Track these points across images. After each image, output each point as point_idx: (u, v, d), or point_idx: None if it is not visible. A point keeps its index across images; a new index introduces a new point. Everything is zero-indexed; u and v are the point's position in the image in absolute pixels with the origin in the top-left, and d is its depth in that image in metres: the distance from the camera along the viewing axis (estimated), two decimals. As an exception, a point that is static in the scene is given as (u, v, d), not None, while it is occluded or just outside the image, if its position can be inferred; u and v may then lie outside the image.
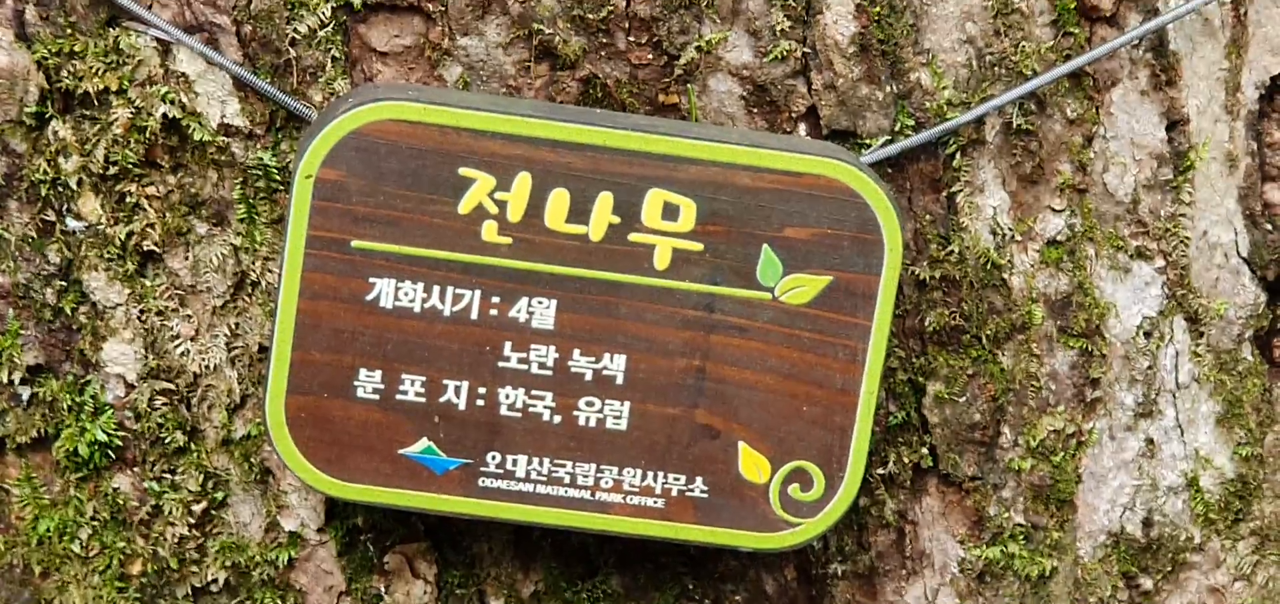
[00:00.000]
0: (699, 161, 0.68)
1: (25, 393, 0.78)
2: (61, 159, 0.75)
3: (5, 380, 0.77)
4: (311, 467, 0.71)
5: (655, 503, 0.74)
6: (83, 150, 0.75)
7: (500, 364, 0.71)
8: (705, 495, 0.74)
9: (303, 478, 0.71)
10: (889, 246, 0.70)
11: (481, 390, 0.71)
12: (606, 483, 0.73)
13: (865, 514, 0.82)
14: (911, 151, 0.76)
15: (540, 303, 0.70)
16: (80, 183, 0.76)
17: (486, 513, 0.74)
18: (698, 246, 0.69)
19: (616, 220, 0.69)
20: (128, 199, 0.76)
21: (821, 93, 0.75)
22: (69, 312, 0.76)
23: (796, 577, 0.84)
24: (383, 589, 0.80)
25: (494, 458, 0.73)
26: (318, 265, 0.68)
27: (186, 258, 0.77)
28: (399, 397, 0.71)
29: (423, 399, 0.71)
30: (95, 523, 0.79)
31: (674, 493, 0.74)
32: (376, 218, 0.68)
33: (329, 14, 0.74)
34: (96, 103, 0.75)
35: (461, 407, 0.72)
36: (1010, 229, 0.79)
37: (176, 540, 0.79)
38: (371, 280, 0.69)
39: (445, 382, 0.71)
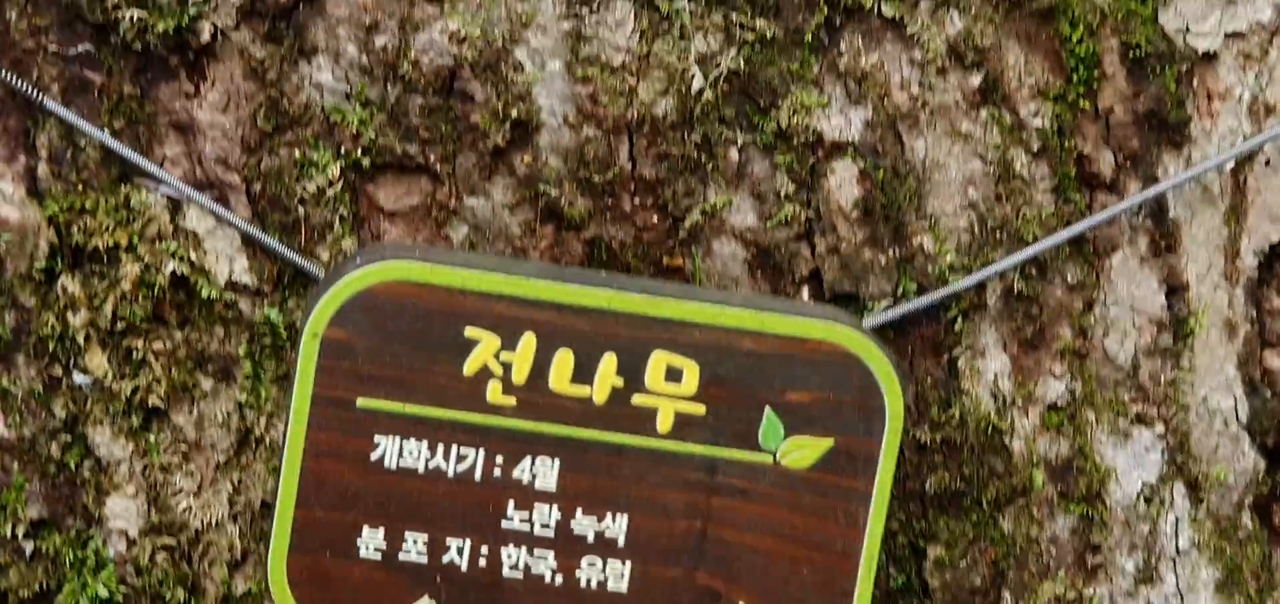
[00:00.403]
0: (702, 325, 0.68)
1: (28, 547, 0.77)
2: (70, 314, 0.76)
3: (8, 534, 0.76)
4: (312, 625, 0.71)
5: None
6: (91, 306, 0.76)
7: (503, 524, 0.70)
8: None
9: (303, 636, 0.71)
10: (891, 412, 0.70)
11: (484, 550, 0.71)
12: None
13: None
14: (913, 315, 0.77)
15: (543, 463, 0.70)
16: (87, 338, 0.76)
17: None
18: (700, 409, 0.69)
19: (620, 382, 0.69)
20: (134, 355, 0.77)
21: (825, 256, 0.76)
22: (73, 466, 0.76)
23: None
24: None
25: (496, 618, 0.72)
26: (323, 424, 0.68)
27: (191, 414, 0.77)
28: (402, 556, 0.70)
29: (425, 558, 0.71)
30: (95, 678, 0.79)
31: None
32: (382, 377, 0.68)
33: (338, 173, 0.75)
34: (106, 258, 0.76)
35: (464, 567, 0.71)
36: (1011, 393, 0.79)
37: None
38: (376, 439, 0.69)
39: (448, 541, 0.71)
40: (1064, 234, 0.77)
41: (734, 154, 0.75)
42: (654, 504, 0.71)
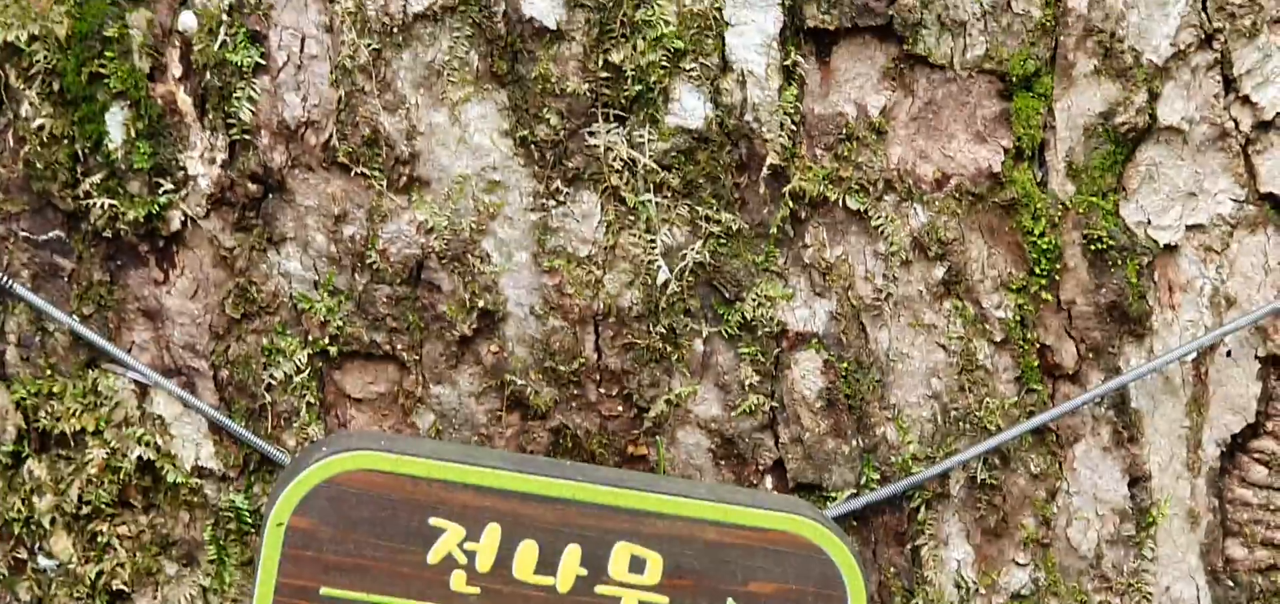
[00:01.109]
0: (666, 516, 0.68)
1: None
2: (36, 498, 0.75)
3: (-26, 715, 0.75)
4: None
5: None
6: (57, 490, 0.75)
7: None
8: None
9: None
10: (853, 601, 0.69)
11: None
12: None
13: None
14: (876, 505, 0.77)
15: None
16: (53, 522, 0.76)
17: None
18: (664, 600, 0.68)
19: (584, 572, 0.68)
20: (99, 539, 0.76)
21: (788, 446, 0.76)
22: (38, 648, 0.75)
23: None
24: None
25: None
26: None
27: (155, 597, 0.76)
28: None
29: None
30: None
31: None
32: (346, 566, 0.67)
33: (305, 361, 0.74)
34: (73, 443, 0.76)
35: None
36: (974, 582, 0.78)
37: None
38: None
39: None
40: (1027, 425, 0.77)
41: (699, 345, 0.75)
42: None
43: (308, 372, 0.73)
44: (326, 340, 0.73)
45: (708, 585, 0.69)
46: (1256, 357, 0.83)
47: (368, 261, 0.72)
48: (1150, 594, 0.81)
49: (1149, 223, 0.79)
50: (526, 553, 0.68)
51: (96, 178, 0.72)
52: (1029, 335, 0.77)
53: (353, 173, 0.72)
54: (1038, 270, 0.77)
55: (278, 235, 0.73)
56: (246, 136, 0.72)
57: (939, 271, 0.76)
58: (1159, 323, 0.80)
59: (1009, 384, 0.77)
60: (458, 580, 0.68)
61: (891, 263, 0.76)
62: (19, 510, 0.73)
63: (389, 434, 0.75)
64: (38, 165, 0.72)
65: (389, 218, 0.72)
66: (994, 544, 0.79)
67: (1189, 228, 0.80)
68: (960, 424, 0.77)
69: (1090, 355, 0.79)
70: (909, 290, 0.76)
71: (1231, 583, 0.84)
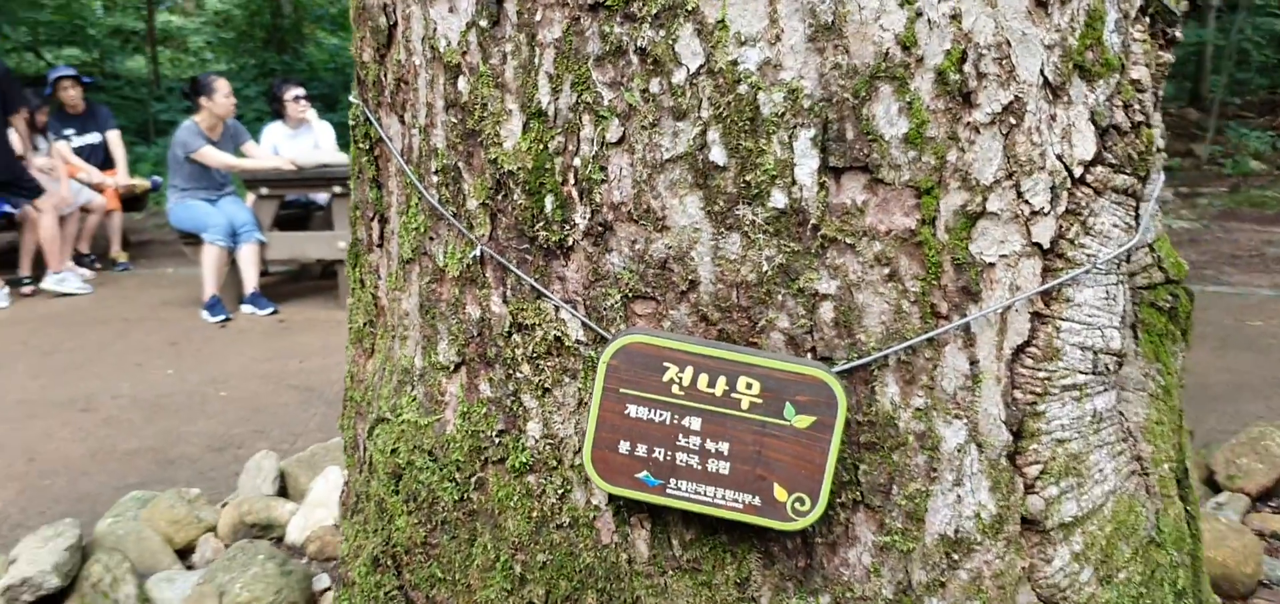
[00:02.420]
0: (761, 366, 1.53)
1: None
2: (517, 351, 1.65)
3: None
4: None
5: (742, 504, 1.57)
6: (525, 346, 1.65)
7: (677, 441, 1.53)
8: (759, 504, 1.57)
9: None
10: (840, 406, 1.53)
11: (668, 453, 1.54)
12: (722, 497, 1.57)
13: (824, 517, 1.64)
14: (850, 370, 1.60)
15: (693, 419, 1.53)
16: (523, 358, 1.65)
17: (673, 504, 1.58)
18: (760, 400, 1.49)
19: (727, 387, 1.51)
20: (541, 365, 1.65)
21: (822, 340, 1.61)
22: None
23: (797, 541, 1.66)
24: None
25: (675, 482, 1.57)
26: (607, 398, 1.56)
27: (556, 393, 1.66)
28: (635, 454, 1.55)
29: (645, 455, 1.55)
30: None
31: (749, 503, 1.57)
32: (630, 381, 1.53)
33: (619, 299, 1.63)
34: (530, 327, 1.66)
35: (660, 458, 1.54)
36: (898, 400, 1.62)
37: None
38: (628, 407, 1.55)
39: (655, 448, 1.54)
40: (924, 336, 1.59)
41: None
42: (739, 438, 1.52)
43: (619, 303, 1.59)
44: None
45: (779, 395, 1.51)
46: (1030, 313, 1.63)
47: None
48: (977, 409, 1.59)
49: (981, 252, 1.56)
50: (703, 379, 1.53)
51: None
52: (926, 296, 1.58)
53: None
54: (935, 274, 1.58)
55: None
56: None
57: (889, 273, 1.58)
58: (985, 294, 1.59)
59: (917, 320, 1.59)
60: (674, 389, 1.54)
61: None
62: (512, 358, 1.62)
63: (649, 328, 1.60)
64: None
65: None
66: (908, 385, 1.58)
67: (1000, 255, 1.57)
68: (894, 338, 1.58)
69: (955, 308, 1.58)
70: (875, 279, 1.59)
71: (1015, 407, 1.62)
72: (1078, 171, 1.59)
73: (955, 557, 1.62)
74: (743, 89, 1.50)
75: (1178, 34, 1.83)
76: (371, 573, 1.80)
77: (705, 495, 1.54)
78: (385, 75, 1.78)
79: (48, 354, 6.95)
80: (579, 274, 1.60)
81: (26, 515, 4.08)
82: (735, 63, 1.50)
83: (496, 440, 1.67)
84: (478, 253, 1.65)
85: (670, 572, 1.62)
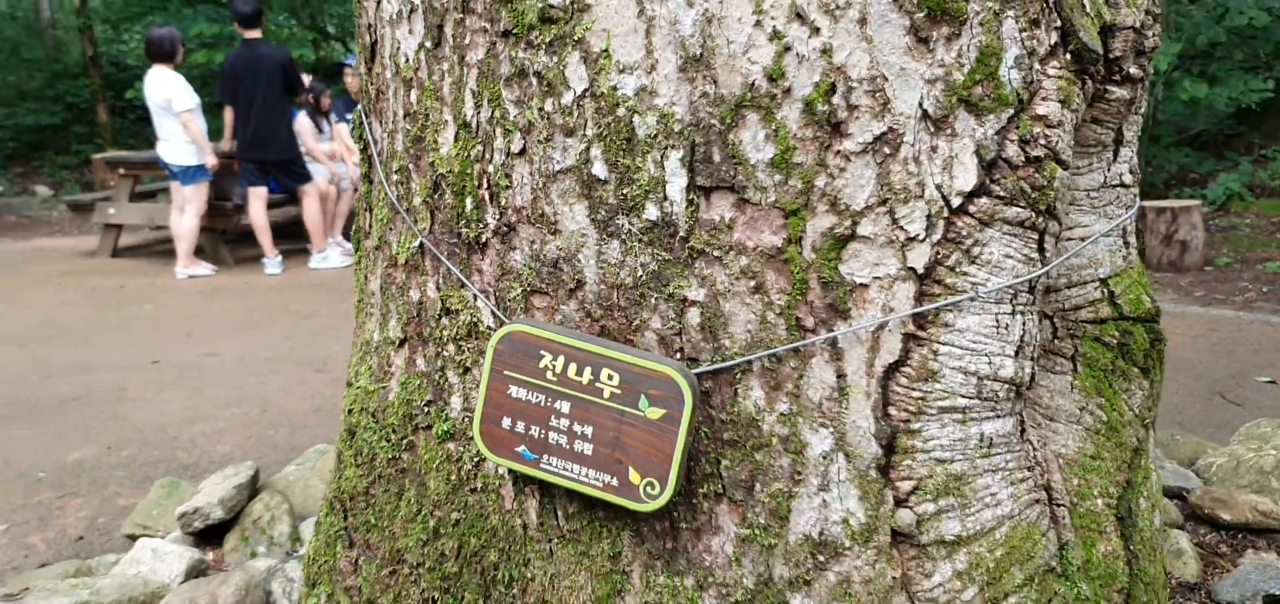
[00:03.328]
0: (622, 360, 1.66)
1: None
2: (444, 333, 1.85)
3: None
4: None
5: (602, 483, 1.69)
6: (452, 326, 1.84)
7: (550, 422, 1.66)
8: (617, 484, 1.68)
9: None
10: (687, 401, 1.64)
11: (542, 432, 1.68)
12: (586, 474, 1.71)
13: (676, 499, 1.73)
14: (710, 372, 1.71)
15: (563, 403, 1.67)
16: (450, 337, 1.85)
17: (545, 477, 1.73)
18: (620, 391, 1.61)
19: (592, 377, 1.66)
20: (465, 348, 1.84)
21: (688, 341, 1.72)
22: None
23: (666, 523, 1.77)
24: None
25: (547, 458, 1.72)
26: (494, 379, 1.73)
27: (475, 369, 1.84)
28: (516, 430, 1.70)
29: (523, 431, 1.70)
30: None
31: (609, 482, 1.68)
32: (512, 365, 1.70)
33: (520, 293, 1.79)
34: (453, 312, 1.85)
35: (536, 436, 1.68)
36: (763, 404, 1.71)
37: None
38: (510, 388, 1.72)
39: (531, 427, 1.69)
40: (790, 346, 1.68)
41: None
42: (601, 423, 1.64)
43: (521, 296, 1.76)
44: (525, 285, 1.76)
45: (635, 388, 1.62)
46: (903, 334, 1.68)
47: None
48: (845, 420, 1.63)
49: (852, 273, 1.62)
50: (572, 368, 1.67)
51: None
52: (791, 309, 1.67)
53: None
54: (800, 290, 1.67)
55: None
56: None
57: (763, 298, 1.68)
58: (855, 313, 1.64)
59: (782, 331, 1.67)
60: (549, 376, 1.69)
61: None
62: (441, 338, 1.82)
63: (533, 320, 1.75)
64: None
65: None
66: (774, 391, 1.65)
67: (873, 277, 1.62)
68: (759, 346, 1.68)
69: (822, 323, 1.64)
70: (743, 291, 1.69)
71: (887, 422, 1.65)
72: (956, 202, 1.63)
73: (821, 558, 1.69)
74: (621, 112, 1.64)
75: (1135, 70, 1.83)
76: (329, 514, 2.03)
77: (572, 472, 1.68)
78: (370, 86, 2.01)
79: (303, 318, 7.69)
80: (491, 267, 1.77)
81: (248, 459, 4.61)
82: (615, 88, 1.64)
83: (425, 409, 1.87)
84: (418, 243, 1.86)
85: (555, 539, 1.77)
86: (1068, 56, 1.70)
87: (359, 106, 2.11)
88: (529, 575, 1.78)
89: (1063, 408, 1.88)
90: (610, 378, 1.64)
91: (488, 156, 1.74)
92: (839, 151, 1.61)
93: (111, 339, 7.40)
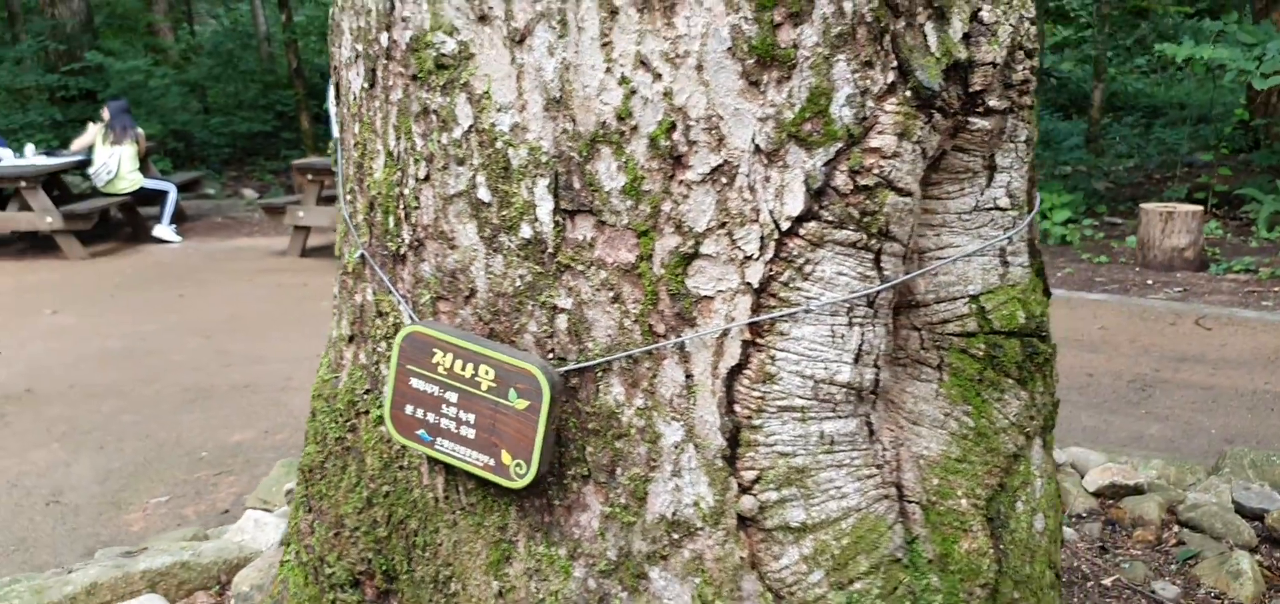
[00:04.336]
0: (496, 359, 1.92)
1: None
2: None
3: None
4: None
5: (482, 463, 1.94)
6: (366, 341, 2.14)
7: (443, 409, 1.90)
8: (494, 465, 1.92)
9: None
10: (546, 394, 1.87)
11: (435, 418, 1.92)
12: (470, 456, 1.96)
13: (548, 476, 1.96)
14: (579, 369, 1.94)
15: (451, 394, 1.94)
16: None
17: (439, 457, 1.99)
18: (495, 383, 1.87)
19: (473, 371, 1.91)
20: (379, 350, 2.13)
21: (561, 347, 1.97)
22: None
23: (545, 500, 2.00)
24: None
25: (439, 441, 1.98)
26: (400, 372, 2.01)
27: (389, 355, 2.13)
28: (415, 415, 1.97)
29: (421, 416, 1.97)
30: None
31: (487, 463, 1.93)
32: (416, 360, 1.96)
33: (429, 298, 2.07)
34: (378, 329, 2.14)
35: (430, 421, 1.93)
36: (623, 399, 1.94)
37: None
38: (412, 380, 2.00)
39: (427, 413, 1.96)
40: (639, 349, 1.90)
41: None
42: (481, 412, 1.87)
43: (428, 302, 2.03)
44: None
45: (506, 381, 1.85)
46: (742, 341, 1.87)
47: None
48: (694, 415, 1.82)
49: (698, 287, 1.81)
50: (458, 364, 1.91)
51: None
52: (644, 317, 1.88)
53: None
54: (652, 301, 1.88)
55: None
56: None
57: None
58: (701, 321, 1.84)
59: (638, 336, 1.88)
60: (440, 370, 1.94)
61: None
62: (376, 336, 2.13)
63: (430, 321, 2.00)
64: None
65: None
66: (632, 388, 1.85)
67: (717, 290, 1.80)
68: (618, 348, 1.89)
69: (672, 329, 1.84)
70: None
71: (731, 418, 1.84)
72: (785, 226, 1.82)
73: (676, 536, 1.91)
74: (499, 145, 1.89)
75: (996, 103, 1.98)
76: (298, 485, 2.35)
77: (459, 453, 1.94)
78: (337, 119, 2.32)
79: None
80: (409, 276, 2.05)
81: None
82: (494, 124, 1.89)
83: (365, 397, 2.16)
84: (360, 254, 2.16)
85: (458, 511, 2.04)
86: (908, 93, 1.86)
87: (334, 136, 2.42)
88: (438, 541, 2.05)
89: (927, 413, 2.04)
90: (487, 373, 1.89)
91: (404, 181, 2.02)
92: (682, 181, 1.82)
93: (288, 332, 8.03)
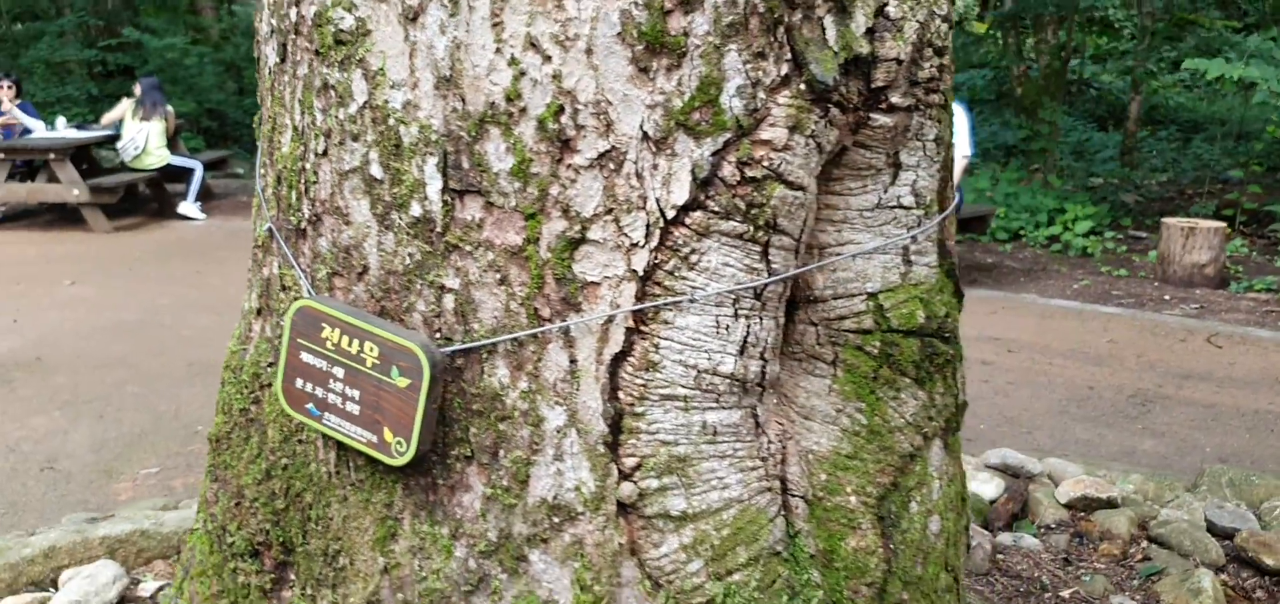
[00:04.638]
0: (381, 336, 1.93)
1: None
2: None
3: None
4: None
5: (365, 439, 1.93)
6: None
7: (330, 384, 1.89)
8: (377, 441, 1.92)
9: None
10: (427, 373, 1.87)
11: (323, 392, 1.92)
12: (355, 431, 1.97)
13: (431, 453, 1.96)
14: (466, 350, 1.94)
15: (338, 370, 1.94)
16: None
17: (328, 432, 1.99)
18: (379, 360, 1.86)
19: (359, 347, 1.91)
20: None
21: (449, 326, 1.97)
22: None
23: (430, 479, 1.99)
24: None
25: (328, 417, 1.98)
26: (291, 346, 2.02)
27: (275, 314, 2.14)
28: (304, 389, 1.97)
29: (310, 390, 1.96)
30: None
31: (371, 440, 1.93)
32: (305, 334, 1.94)
33: (325, 273, 2.08)
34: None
35: (318, 395, 1.93)
36: (508, 381, 1.94)
37: None
38: (301, 354, 2.01)
39: (315, 387, 1.96)
40: (538, 331, 1.90)
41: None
42: (366, 388, 1.86)
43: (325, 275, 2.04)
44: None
45: (389, 359, 1.83)
46: (626, 328, 1.87)
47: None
48: (577, 400, 1.82)
49: (584, 272, 1.79)
50: (345, 339, 1.89)
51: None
52: (530, 301, 1.87)
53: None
54: (538, 284, 1.88)
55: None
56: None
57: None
58: (586, 307, 1.82)
59: (524, 319, 1.89)
60: (329, 345, 1.94)
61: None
62: (279, 310, 2.14)
63: (322, 296, 1.99)
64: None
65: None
66: (516, 371, 1.86)
67: (603, 277, 1.79)
68: (503, 331, 1.89)
69: (557, 314, 1.82)
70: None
71: (614, 404, 1.82)
72: (671, 214, 1.82)
73: (557, 520, 1.90)
74: (391, 122, 1.89)
75: (899, 99, 1.96)
76: (208, 454, 2.36)
77: (345, 429, 1.94)
78: (259, 94, 2.33)
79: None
80: (309, 251, 2.06)
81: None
82: (387, 101, 1.89)
83: (269, 369, 2.16)
84: (268, 227, 2.17)
85: (348, 486, 2.04)
86: (803, 86, 1.85)
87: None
88: (330, 516, 2.05)
89: (819, 408, 2.02)
90: (371, 349, 1.89)
91: (306, 156, 2.03)
92: (570, 165, 1.81)
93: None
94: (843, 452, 1.99)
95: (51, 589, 3.26)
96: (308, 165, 2.00)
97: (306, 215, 2.02)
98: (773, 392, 2.01)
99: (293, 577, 2.10)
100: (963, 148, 8.37)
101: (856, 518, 1.99)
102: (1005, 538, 3.82)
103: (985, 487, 4.15)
